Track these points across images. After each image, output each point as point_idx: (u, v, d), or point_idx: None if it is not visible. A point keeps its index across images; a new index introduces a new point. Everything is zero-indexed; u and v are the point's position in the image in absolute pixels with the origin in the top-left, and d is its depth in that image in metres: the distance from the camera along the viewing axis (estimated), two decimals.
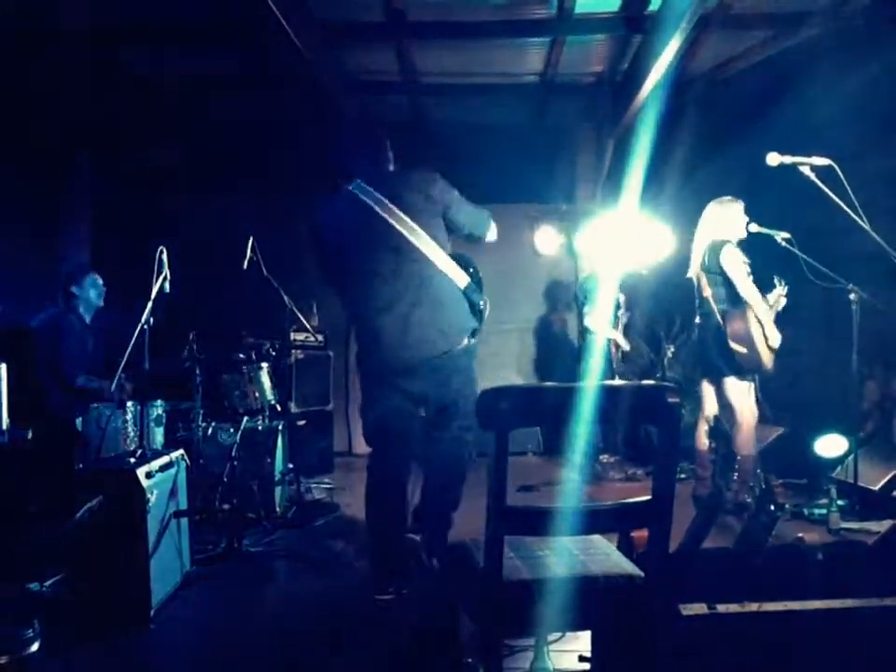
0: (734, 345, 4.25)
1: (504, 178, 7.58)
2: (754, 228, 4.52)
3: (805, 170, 2.97)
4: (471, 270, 3.45)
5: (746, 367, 4.33)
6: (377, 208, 3.28)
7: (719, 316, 4.40)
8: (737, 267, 4.40)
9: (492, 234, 3.62)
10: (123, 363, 3.97)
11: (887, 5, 5.18)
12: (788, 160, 2.97)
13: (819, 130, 4.78)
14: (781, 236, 4.46)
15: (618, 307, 6.43)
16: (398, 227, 3.26)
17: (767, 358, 4.36)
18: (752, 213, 4.58)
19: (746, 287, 4.38)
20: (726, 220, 4.54)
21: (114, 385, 4.10)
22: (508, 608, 1.83)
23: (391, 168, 3.64)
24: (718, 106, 6.76)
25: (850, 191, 2.88)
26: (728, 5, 5.36)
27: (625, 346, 6.40)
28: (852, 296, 4.48)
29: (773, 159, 2.98)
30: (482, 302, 3.40)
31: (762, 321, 4.36)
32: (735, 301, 4.44)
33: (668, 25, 5.05)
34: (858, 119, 5.39)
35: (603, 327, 6.21)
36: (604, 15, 5.59)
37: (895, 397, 5.70)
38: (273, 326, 5.82)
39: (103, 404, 4.06)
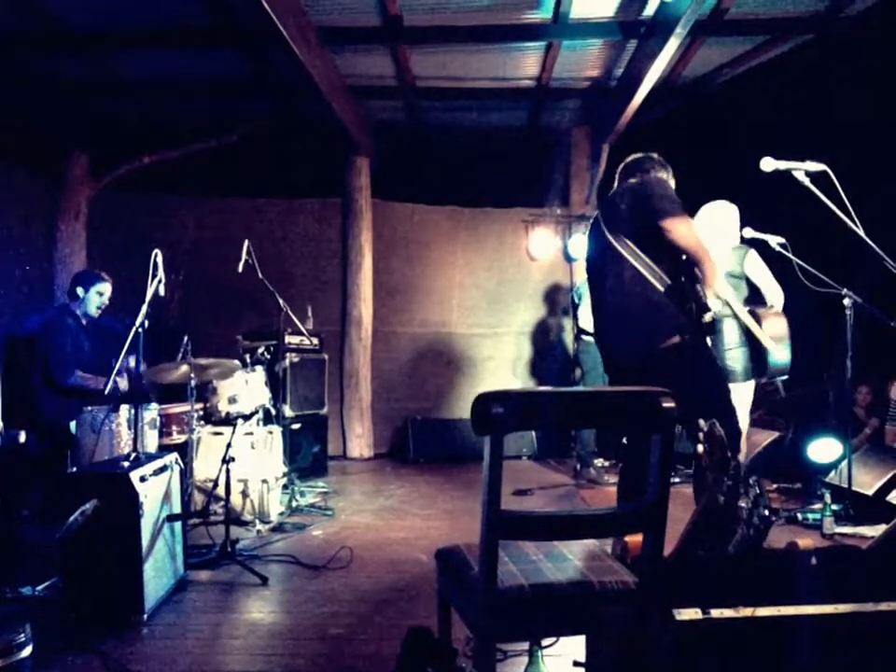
0: (770, 344, 4.17)
1: (499, 182, 7.61)
2: (749, 233, 4.53)
3: (800, 175, 2.97)
4: None
5: (775, 367, 4.25)
6: None
7: (747, 318, 4.32)
8: (764, 270, 4.42)
9: None
10: (118, 365, 3.98)
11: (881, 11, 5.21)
12: (782, 165, 2.97)
13: (814, 134, 4.79)
14: (776, 241, 4.47)
15: None
16: None
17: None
18: (747, 218, 4.59)
19: (775, 291, 4.41)
20: (720, 223, 4.54)
21: (108, 389, 4.10)
22: (502, 612, 1.83)
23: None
24: (712, 111, 6.79)
25: (844, 196, 2.88)
26: (723, 10, 5.38)
27: None
28: (846, 301, 4.48)
29: (767, 164, 2.98)
30: None
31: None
32: (756, 300, 4.44)
33: (663, 30, 5.07)
34: (852, 123, 5.42)
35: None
36: (599, 20, 5.62)
37: (890, 401, 5.71)
38: (268, 329, 5.83)
39: (97, 408, 4.06)
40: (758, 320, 4.28)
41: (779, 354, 4.20)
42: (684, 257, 3.26)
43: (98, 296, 4.78)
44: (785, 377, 4.49)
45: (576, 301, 6.64)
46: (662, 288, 3.23)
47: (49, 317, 4.72)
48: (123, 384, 4.59)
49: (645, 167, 3.52)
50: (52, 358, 4.52)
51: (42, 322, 4.67)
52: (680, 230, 3.16)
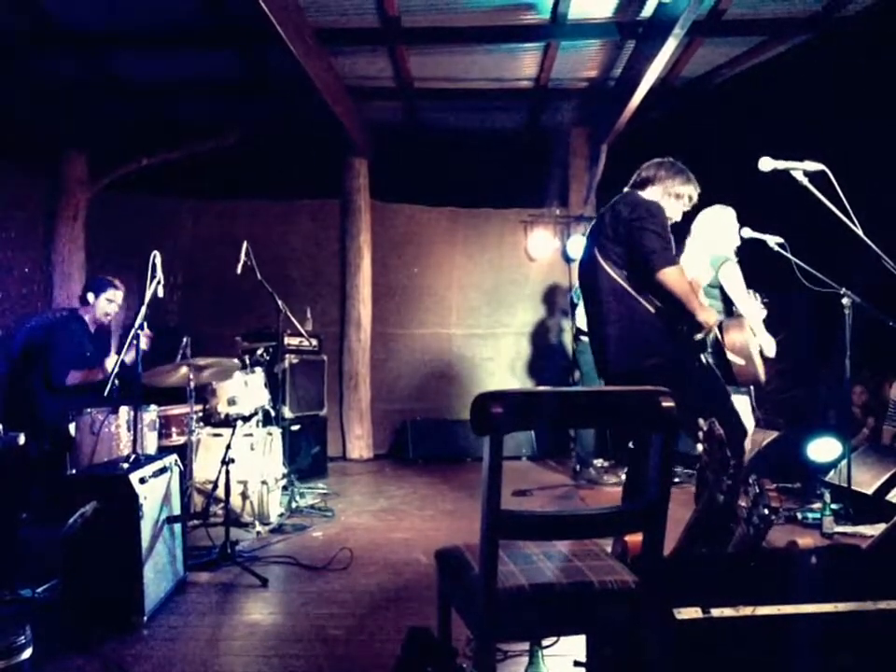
0: (731, 357, 4.19)
1: (497, 183, 7.61)
2: (747, 233, 4.52)
3: (798, 175, 2.98)
4: None
5: (742, 379, 4.27)
6: None
7: (716, 328, 4.34)
8: (737, 283, 4.39)
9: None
10: (117, 366, 3.98)
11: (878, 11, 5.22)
12: (780, 164, 2.98)
13: (812, 134, 4.80)
14: (774, 241, 4.47)
15: None
16: None
17: (762, 371, 4.32)
18: (745, 218, 4.59)
19: (745, 305, 4.37)
20: (720, 229, 4.52)
21: (106, 391, 4.09)
22: (502, 612, 1.83)
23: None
24: (710, 111, 6.79)
25: (843, 196, 2.89)
26: (721, 10, 5.39)
27: None
28: (845, 300, 4.48)
29: (765, 164, 2.99)
30: None
31: (756, 332, 4.34)
32: (730, 312, 4.43)
33: (661, 31, 5.07)
34: (850, 123, 5.43)
35: None
36: (597, 20, 5.62)
37: (887, 401, 5.71)
38: (267, 330, 5.83)
39: (96, 409, 4.05)
40: (721, 331, 4.26)
41: (740, 365, 4.18)
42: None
43: (107, 303, 4.77)
44: (750, 388, 4.47)
45: (574, 301, 6.63)
46: (652, 309, 3.29)
47: (55, 322, 4.72)
48: (130, 356, 4.43)
49: (650, 176, 3.53)
50: (52, 361, 4.51)
51: (46, 326, 4.67)
52: (672, 280, 3.22)
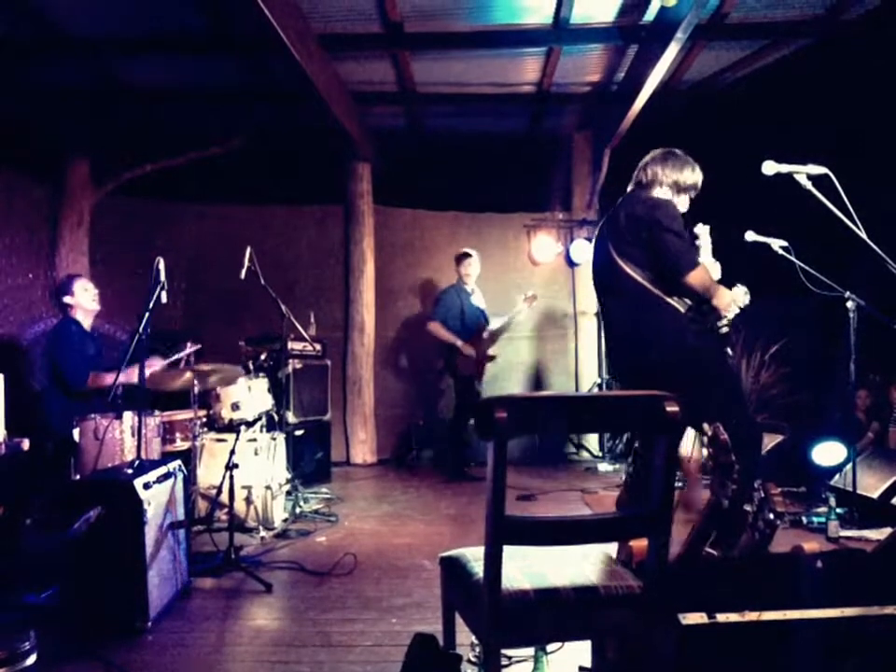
0: None
1: (500, 187, 7.63)
2: (751, 236, 4.51)
3: (802, 178, 2.97)
4: None
5: None
6: None
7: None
8: None
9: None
10: (120, 371, 3.98)
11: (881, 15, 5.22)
12: (784, 168, 2.97)
13: (815, 137, 4.80)
14: (778, 244, 4.46)
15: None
16: None
17: None
18: (748, 221, 4.58)
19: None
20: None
21: (110, 397, 4.10)
22: (507, 618, 1.82)
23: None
24: (713, 115, 6.80)
25: (846, 199, 2.88)
26: (723, 14, 5.39)
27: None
28: (849, 304, 4.48)
29: (769, 167, 2.98)
30: None
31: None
32: None
33: (664, 35, 5.08)
34: (854, 126, 5.43)
35: (444, 334, 6.70)
36: (600, 25, 5.62)
37: (892, 404, 5.70)
38: (271, 335, 5.83)
39: (100, 415, 4.05)
40: None
41: None
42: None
43: (84, 292, 4.76)
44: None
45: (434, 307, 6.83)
46: (682, 308, 3.24)
47: (54, 327, 4.72)
48: (134, 376, 4.50)
49: (656, 176, 3.43)
50: (65, 366, 4.50)
51: (47, 333, 4.68)
52: (698, 280, 3.21)
